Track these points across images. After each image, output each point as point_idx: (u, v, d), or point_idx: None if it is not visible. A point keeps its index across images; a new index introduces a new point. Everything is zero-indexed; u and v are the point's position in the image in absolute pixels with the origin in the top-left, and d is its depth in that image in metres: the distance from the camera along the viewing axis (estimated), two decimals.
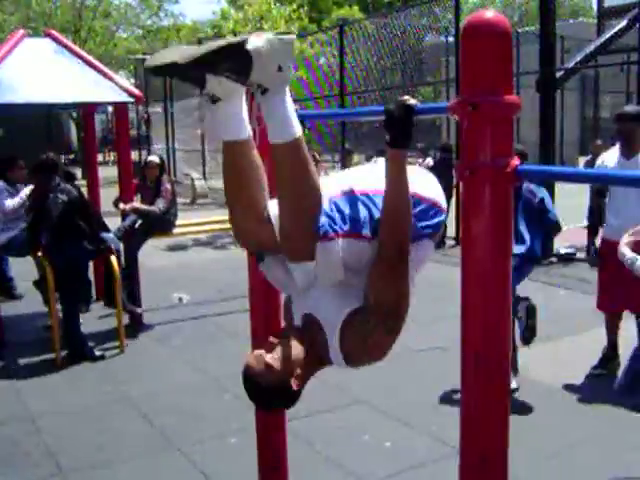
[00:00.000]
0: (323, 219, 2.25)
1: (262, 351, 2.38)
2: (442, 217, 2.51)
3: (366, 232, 2.31)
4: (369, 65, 18.93)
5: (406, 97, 2.28)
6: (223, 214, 12.86)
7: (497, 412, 2.10)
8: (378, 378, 5.10)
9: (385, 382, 5.53)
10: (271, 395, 2.38)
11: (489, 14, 2.08)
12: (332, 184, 2.45)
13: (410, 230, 2.28)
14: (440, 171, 10.43)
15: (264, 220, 2.34)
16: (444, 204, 2.56)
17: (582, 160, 22.53)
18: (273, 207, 2.35)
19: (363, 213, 2.34)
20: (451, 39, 21.40)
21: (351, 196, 2.38)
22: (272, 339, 2.42)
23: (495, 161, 2.02)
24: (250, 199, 2.35)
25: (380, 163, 2.51)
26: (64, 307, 6.58)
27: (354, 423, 5.12)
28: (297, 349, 2.40)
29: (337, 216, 2.30)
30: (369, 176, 2.48)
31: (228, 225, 8.21)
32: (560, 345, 6.57)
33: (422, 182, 2.51)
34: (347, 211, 2.33)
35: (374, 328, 2.29)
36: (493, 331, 2.07)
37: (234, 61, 2.09)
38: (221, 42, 2.10)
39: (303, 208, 2.24)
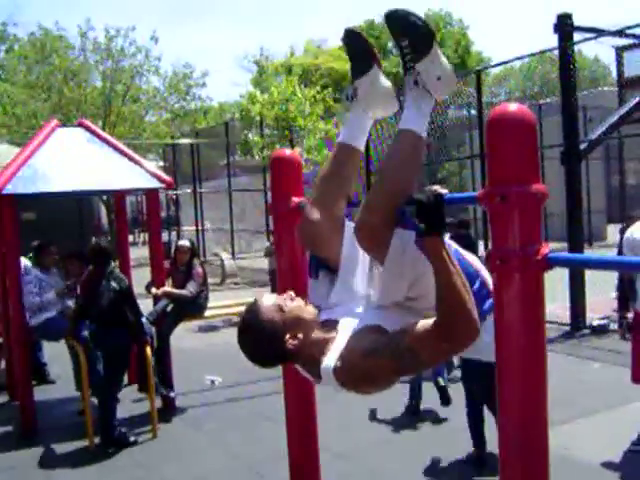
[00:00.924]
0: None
1: (278, 295, 2.45)
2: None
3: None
4: None
5: (435, 187, 2.34)
6: (252, 294, 12.88)
7: None
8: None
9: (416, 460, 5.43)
10: (263, 337, 2.36)
11: (513, 107, 2.14)
12: None
13: (472, 307, 2.18)
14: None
15: (338, 221, 2.56)
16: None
17: (610, 228, 22.45)
18: (349, 224, 2.52)
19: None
20: (474, 112, 21.62)
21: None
22: (293, 293, 2.47)
23: (525, 250, 2.05)
24: (335, 197, 2.58)
25: None
26: (102, 393, 6.59)
27: None
28: (310, 315, 2.43)
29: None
30: None
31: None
32: (597, 420, 6.46)
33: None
34: None
35: (385, 351, 2.22)
36: (530, 414, 2.07)
37: (419, 37, 2.41)
38: (421, 17, 2.44)
39: (396, 191, 2.35)
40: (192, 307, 7.63)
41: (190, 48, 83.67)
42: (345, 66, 41.63)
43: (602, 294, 11.39)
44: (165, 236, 21.69)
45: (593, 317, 10.61)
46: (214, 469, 5.88)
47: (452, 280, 2.17)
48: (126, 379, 7.81)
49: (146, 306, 7.60)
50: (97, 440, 6.46)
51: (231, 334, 9.57)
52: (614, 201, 25.27)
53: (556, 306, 11.09)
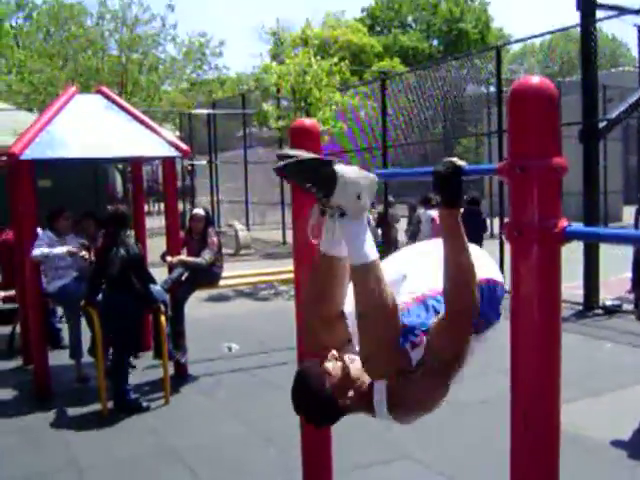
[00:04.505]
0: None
1: (323, 360, 2.44)
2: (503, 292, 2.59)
3: None
4: (410, 116, 19.07)
5: (454, 158, 2.33)
6: (266, 266, 12.90)
7: (547, 470, 2.11)
8: (421, 431, 5.07)
9: (430, 435, 5.48)
10: (317, 402, 2.39)
11: (535, 80, 2.13)
12: (396, 278, 2.52)
13: (474, 288, 2.31)
14: (469, 223, 10.41)
15: (338, 319, 2.51)
16: (501, 278, 2.62)
17: (627, 209, 22.33)
18: (348, 305, 2.48)
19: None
20: (492, 89, 21.50)
21: (424, 301, 2.47)
22: (335, 353, 2.47)
23: (543, 222, 2.05)
24: (329, 311, 2.49)
25: (431, 244, 2.59)
26: (113, 359, 6.67)
27: (399, 478, 5.09)
28: (355, 370, 2.44)
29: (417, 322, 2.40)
30: (432, 270, 2.51)
31: (270, 277, 8.19)
32: (607, 399, 6.47)
33: (485, 264, 2.59)
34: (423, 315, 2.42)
35: (421, 378, 2.33)
36: (542, 390, 2.08)
37: (320, 176, 2.26)
38: (311, 155, 2.28)
39: (381, 326, 2.31)
40: (207, 276, 7.66)
41: (207, 18, 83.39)
42: (363, 39, 41.42)
43: (615, 275, 11.39)
44: (180, 206, 21.75)
45: (606, 297, 10.60)
46: (226, 437, 5.93)
47: (460, 259, 2.25)
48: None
49: (162, 275, 7.65)
50: (110, 405, 6.53)
51: (242, 304, 9.67)
52: (631, 182, 25.12)
53: (569, 285, 11.11)
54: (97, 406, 6.55)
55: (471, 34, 45.53)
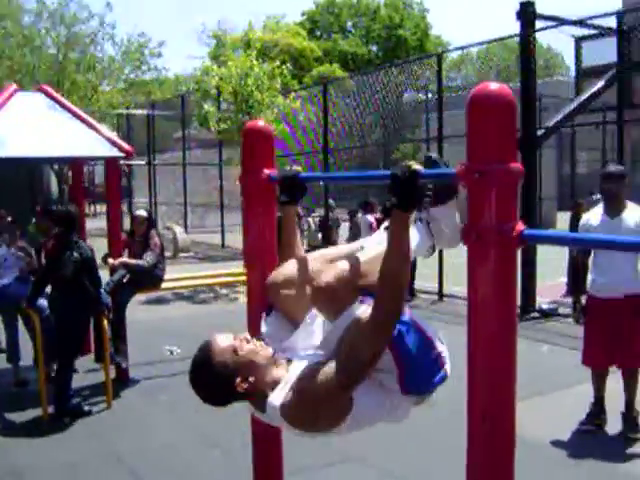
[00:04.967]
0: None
1: (235, 335, 2.42)
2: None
3: None
4: (350, 121, 19.20)
5: (411, 162, 2.36)
6: (204, 269, 12.75)
7: (503, 470, 2.16)
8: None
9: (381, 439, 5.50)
10: (214, 379, 2.37)
11: (494, 86, 2.17)
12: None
13: (403, 295, 2.31)
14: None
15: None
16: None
17: (560, 215, 22.83)
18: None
19: None
20: (430, 96, 21.79)
21: None
22: (248, 335, 2.46)
23: (501, 226, 2.09)
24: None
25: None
26: (59, 363, 6.52)
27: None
28: (265, 359, 2.41)
29: None
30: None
31: (209, 280, 8.11)
32: (546, 401, 6.60)
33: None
34: None
35: (329, 378, 2.25)
36: (499, 392, 2.12)
37: (446, 186, 2.58)
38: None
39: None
40: (149, 278, 7.57)
41: (145, 18, 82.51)
42: (303, 43, 41.49)
43: (551, 279, 11.66)
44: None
45: (542, 301, 10.82)
46: (170, 441, 5.89)
47: (395, 257, 2.26)
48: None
49: (103, 277, 7.52)
50: (51, 410, 6.40)
51: (181, 307, 9.53)
52: (565, 189, 25.67)
53: None
54: (37, 411, 6.41)
55: (410, 41, 45.98)
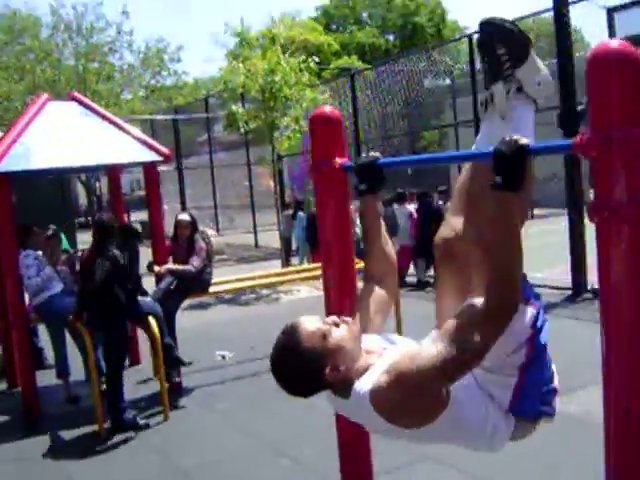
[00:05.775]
0: None
1: (323, 320, 2.21)
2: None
3: None
4: (375, 112, 19.04)
5: (518, 136, 2.11)
6: (242, 270, 12.60)
7: None
8: None
9: None
10: (301, 365, 2.13)
11: (615, 43, 1.95)
12: None
13: (519, 284, 2.06)
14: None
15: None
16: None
17: None
18: None
19: None
20: (448, 82, 21.62)
21: None
22: (344, 318, 2.23)
23: (635, 199, 1.87)
24: None
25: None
26: (107, 376, 6.33)
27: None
28: (355, 345, 2.20)
29: None
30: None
31: (251, 282, 7.90)
32: None
33: None
34: None
35: (429, 362, 2.01)
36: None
37: (516, 44, 2.37)
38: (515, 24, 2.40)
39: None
40: (197, 283, 7.35)
41: (161, 24, 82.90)
42: (320, 37, 41.29)
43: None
44: (145, 215, 21.41)
45: (595, 280, 10.50)
46: (233, 451, 5.64)
47: (506, 247, 2.03)
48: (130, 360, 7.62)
49: (150, 285, 7.33)
50: (107, 425, 6.21)
51: (224, 311, 9.37)
52: None
53: (555, 272, 11.02)
54: (92, 427, 6.22)
55: (427, 27, 45.55)
